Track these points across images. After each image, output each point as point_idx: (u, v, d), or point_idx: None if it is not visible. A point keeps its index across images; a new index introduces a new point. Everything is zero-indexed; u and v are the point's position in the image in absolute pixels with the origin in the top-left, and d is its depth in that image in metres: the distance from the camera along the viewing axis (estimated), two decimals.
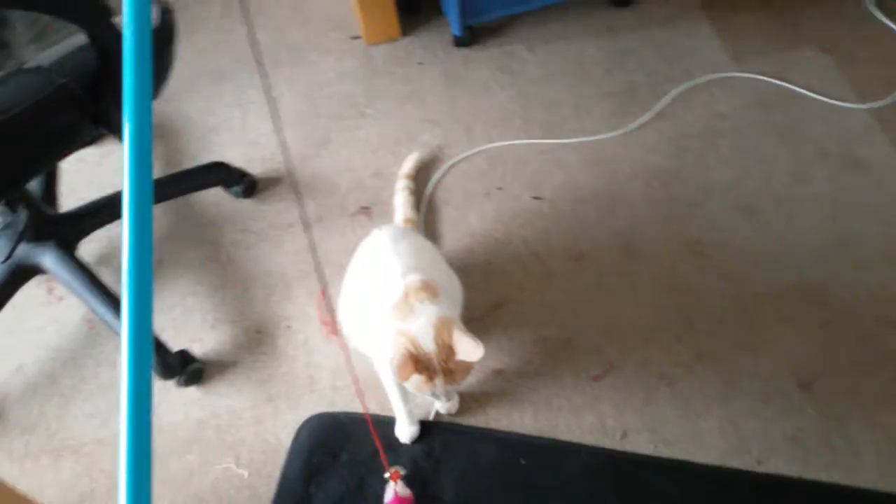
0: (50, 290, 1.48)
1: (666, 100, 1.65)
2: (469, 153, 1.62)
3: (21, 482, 1.23)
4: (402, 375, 1.01)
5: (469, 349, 1.00)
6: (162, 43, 1.11)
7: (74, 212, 1.44)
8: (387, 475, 1.13)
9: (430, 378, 1.02)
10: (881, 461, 1.15)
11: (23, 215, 1.15)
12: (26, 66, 1.04)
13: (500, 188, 1.55)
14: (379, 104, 1.73)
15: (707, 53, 1.75)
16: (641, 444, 1.21)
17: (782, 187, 1.49)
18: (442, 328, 1.02)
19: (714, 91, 1.67)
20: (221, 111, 1.75)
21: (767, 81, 1.67)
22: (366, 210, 1.54)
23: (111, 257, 1.51)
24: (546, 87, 1.72)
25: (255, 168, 1.61)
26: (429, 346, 1.01)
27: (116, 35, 0.93)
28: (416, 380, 1.02)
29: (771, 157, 1.54)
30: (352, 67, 1.83)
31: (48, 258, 1.33)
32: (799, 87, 1.64)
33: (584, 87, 1.71)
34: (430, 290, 1.06)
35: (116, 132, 1.09)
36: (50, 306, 1.46)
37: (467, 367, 1.04)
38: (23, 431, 1.31)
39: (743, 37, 1.77)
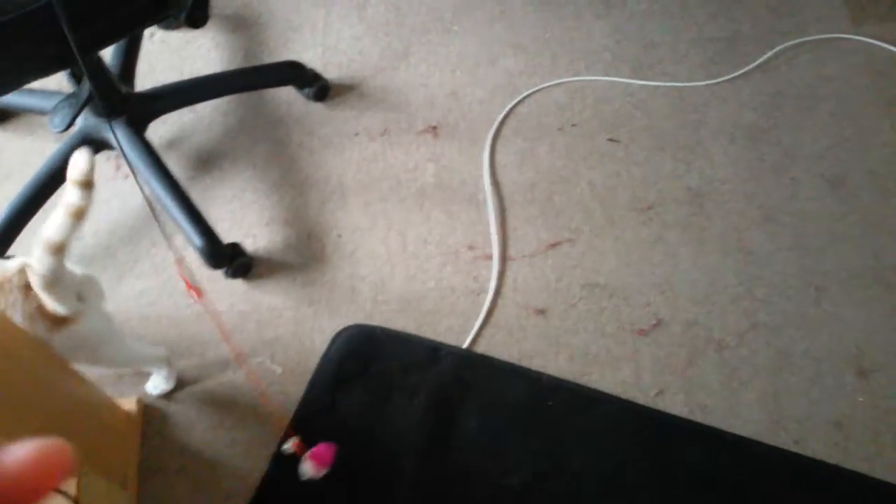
0: (117, 167, 1.51)
1: (770, 54, 1.54)
2: (549, 84, 1.55)
3: None
4: None
5: None
6: None
7: (149, 92, 1.46)
8: (287, 445, 1.10)
9: None
10: None
11: (86, 87, 1.16)
12: None
13: (574, 125, 1.49)
14: (467, 21, 1.67)
15: (825, 11, 1.61)
16: (676, 405, 1.17)
17: (878, 162, 1.38)
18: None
19: (824, 51, 1.54)
20: (307, 10, 1.72)
21: (885, 48, 1.53)
22: (433, 129, 1.50)
23: (179, 143, 1.53)
24: (644, 23, 1.63)
25: (330, 73, 1.59)
26: None
27: None
28: None
29: (871, 129, 1.42)
30: None
31: (116, 134, 1.35)
32: None
33: (685, 30, 1.61)
34: None
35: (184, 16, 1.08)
36: (115, 182, 1.50)
37: None
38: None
39: None
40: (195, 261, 1.33)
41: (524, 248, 1.34)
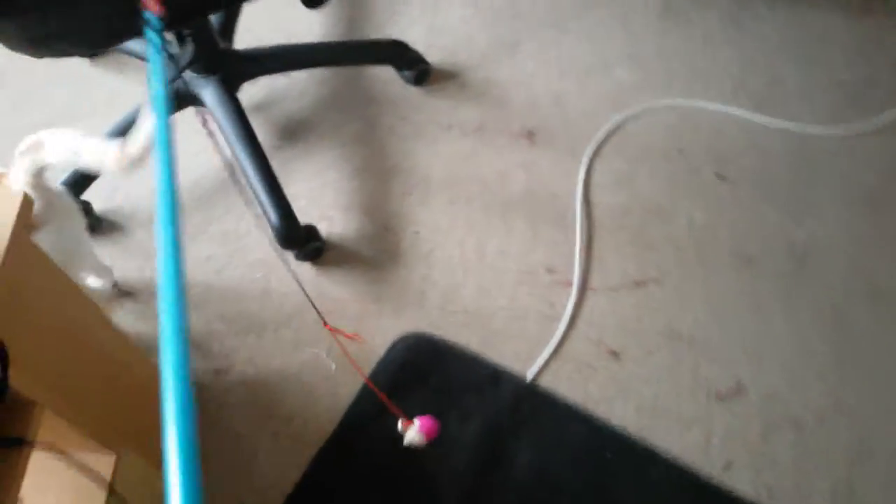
0: (204, 122, 1.47)
1: None
2: (661, 103, 1.45)
3: (124, 317, 1.27)
4: None
5: None
6: None
7: (247, 52, 1.41)
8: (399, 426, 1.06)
9: None
10: None
11: (190, 48, 1.11)
12: None
13: (681, 151, 1.40)
14: (584, 21, 1.57)
15: None
16: (743, 482, 1.09)
17: None
18: None
19: None
20: None
21: None
22: (530, 134, 1.42)
23: (267, 107, 1.49)
24: (774, 55, 1.51)
25: (432, 55, 1.52)
26: None
27: None
28: None
29: None
30: None
31: (209, 91, 1.31)
32: None
33: (817, 69, 1.48)
34: None
35: None
36: (201, 137, 1.46)
37: None
38: (145, 258, 1.34)
39: None
40: (264, 234, 1.29)
41: (607, 279, 1.26)
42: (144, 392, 1.05)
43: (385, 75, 1.50)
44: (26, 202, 0.77)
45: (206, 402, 1.19)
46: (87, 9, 0.94)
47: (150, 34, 0.80)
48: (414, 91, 1.49)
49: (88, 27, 0.98)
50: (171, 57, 1.12)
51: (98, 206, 1.39)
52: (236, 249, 1.33)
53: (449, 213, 1.35)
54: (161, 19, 0.85)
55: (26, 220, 0.76)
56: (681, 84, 1.47)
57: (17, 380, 0.77)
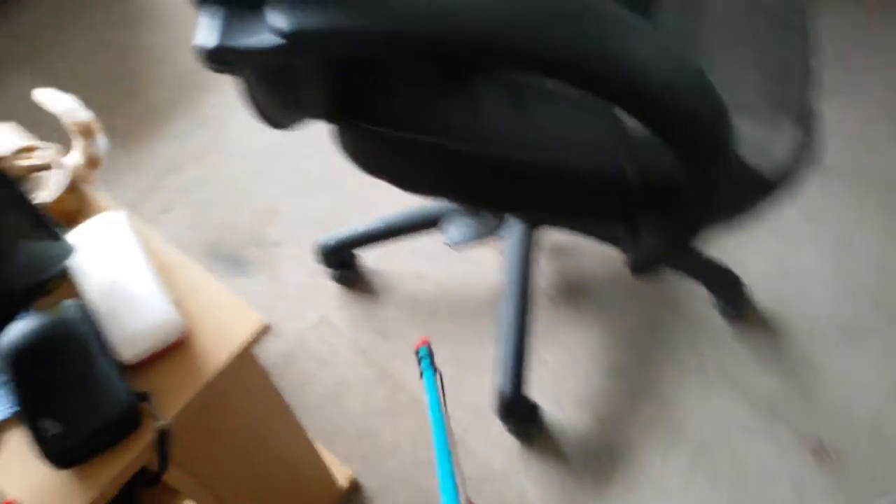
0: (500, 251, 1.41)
1: None
2: None
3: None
4: None
5: None
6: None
7: None
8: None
9: None
10: None
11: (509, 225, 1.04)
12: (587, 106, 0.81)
13: None
14: None
15: None
16: None
17: None
18: None
19: None
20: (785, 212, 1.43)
21: None
22: (820, 450, 1.17)
23: (564, 254, 1.37)
24: None
25: (762, 292, 1.30)
26: None
27: (710, 184, 0.69)
28: None
29: None
30: None
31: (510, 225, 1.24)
32: None
33: None
34: None
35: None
36: (485, 252, 1.39)
37: None
38: (381, 334, 1.29)
39: None
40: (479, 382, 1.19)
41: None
42: (289, 471, 1.01)
43: (697, 288, 1.32)
44: (264, 328, 0.73)
45: None
46: None
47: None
48: (719, 323, 1.29)
49: None
50: (477, 228, 1.06)
51: (368, 263, 1.39)
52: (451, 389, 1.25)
53: (686, 477, 1.15)
54: None
55: (257, 340, 0.73)
56: None
57: (173, 473, 0.74)
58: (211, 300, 0.75)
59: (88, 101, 0.83)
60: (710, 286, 1.29)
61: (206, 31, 0.64)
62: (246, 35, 0.64)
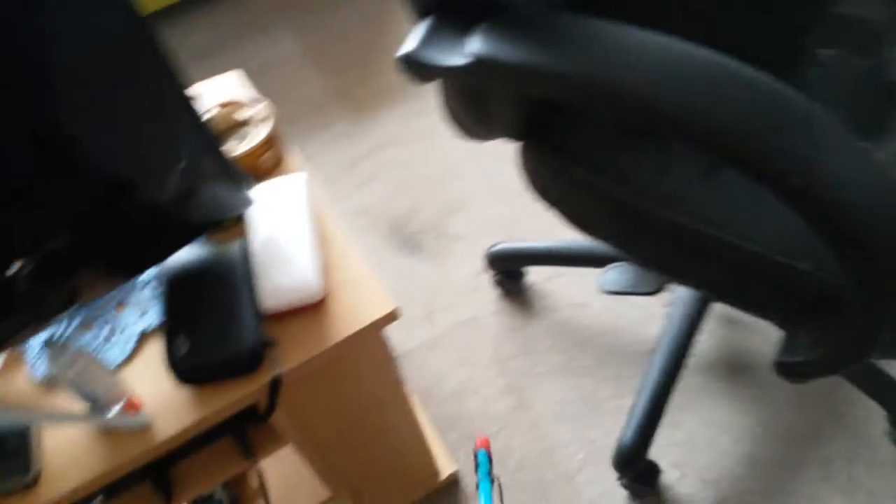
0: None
1: None
2: None
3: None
4: None
5: None
6: None
7: None
8: None
9: None
10: None
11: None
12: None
13: None
14: None
15: None
16: None
17: None
18: None
19: None
20: None
21: None
22: None
23: (735, 326, 1.30)
24: None
25: None
26: None
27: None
28: None
29: None
30: None
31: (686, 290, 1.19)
32: None
33: None
34: None
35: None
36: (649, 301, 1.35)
37: None
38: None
39: None
40: (606, 425, 1.16)
41: None
42: (392, 449, 1.05)
43: (874, 407, 1.19)
44: (392, 315, 0.77)
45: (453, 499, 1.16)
46: None
47: None
48: (887, 450, 1.16)
49: None
50: (638, 281, 1.03)
51: (533, 279, 1.40)
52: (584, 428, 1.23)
53: None
54: None
55: (384, 323, 0.77)
56: None
57: (282, 420, 0.80)
58: (356, 275, 0.80)
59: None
60: (889, 408, 1.16)
61: (410, 40, 0.69)
62: (439, 51, 0.67)
